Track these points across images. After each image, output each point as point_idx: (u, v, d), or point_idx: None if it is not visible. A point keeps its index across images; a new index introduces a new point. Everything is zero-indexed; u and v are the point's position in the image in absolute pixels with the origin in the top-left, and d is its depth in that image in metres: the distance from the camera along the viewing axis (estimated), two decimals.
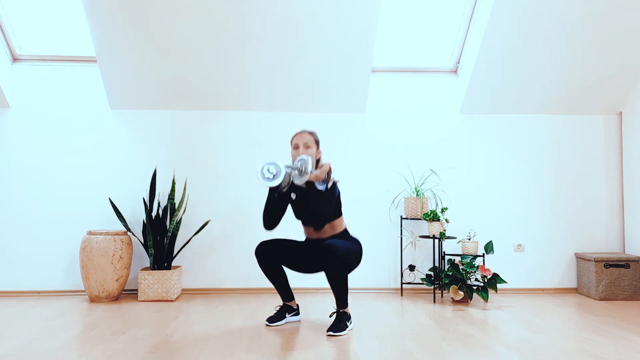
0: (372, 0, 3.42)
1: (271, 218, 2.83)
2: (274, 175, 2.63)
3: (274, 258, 2.88)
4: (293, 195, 2.87)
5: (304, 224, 2.95)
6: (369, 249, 3.91)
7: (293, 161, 2.80)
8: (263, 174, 2.63)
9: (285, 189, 2.81)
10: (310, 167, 2.62)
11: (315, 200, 2.70)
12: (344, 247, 2.69)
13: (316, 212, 2.72)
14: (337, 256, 2.63)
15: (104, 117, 3.93)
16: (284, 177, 2.63)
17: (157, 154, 3.93)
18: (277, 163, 2.64)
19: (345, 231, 2.91)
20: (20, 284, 3.80)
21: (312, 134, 2.86)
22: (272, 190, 2.80)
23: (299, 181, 2.65)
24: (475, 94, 3.93)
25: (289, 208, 2.93)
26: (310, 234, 2.94)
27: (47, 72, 3.91)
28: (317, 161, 2.86)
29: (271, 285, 3.86)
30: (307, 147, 2.81)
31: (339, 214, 2.86)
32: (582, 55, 3.74)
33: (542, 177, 4.04)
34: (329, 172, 2.72)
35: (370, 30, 3.57)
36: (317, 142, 2.87)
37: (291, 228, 3.15)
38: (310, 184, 2.74)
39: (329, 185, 2.69)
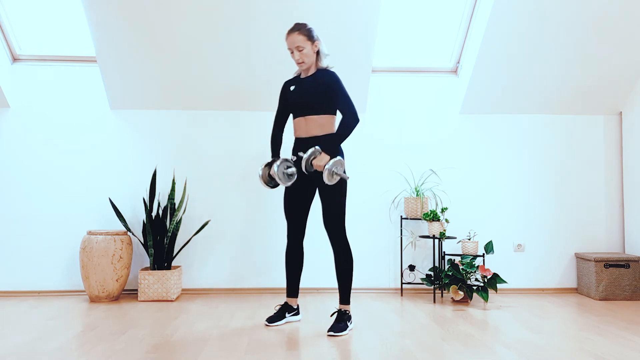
0: (372, 1, 3.42)
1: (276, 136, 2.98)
2: (288, 175, 2.79)
3: (300, 240, 2.97)
4: (292, 88, 2.89)
5: (295, 116, 2.89)
6: (369, 249, 3.92)
7: (298, 65, 2.84)
8: (285, 175, 2.78)
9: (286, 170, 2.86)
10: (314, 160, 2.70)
11: (315, 90, 2.79)
12: (341, 214, 2.79)
13: (314, 99, 2.79)
14: (340, 231, 2.78)
15: (104, 117, 3.93)
16: (266, 176, 2.84)
17: (157, 154, 3.93)
18: (261, 172, 2.82)
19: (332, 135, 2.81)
20: (20, 284, 3.80)
21: (300, 30, 2.74)
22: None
23: (306, 169, 2.72)
24: (475, 94, 3.93)
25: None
26: (299, 132, 2.86)
27: (47, 72, 3.91)
28: (317, 53, 2.80)
29: (271, 286, 3.87)
30: (299, 49, 2.74)
31: (333, 112, 2.84)
32: (582, 55, 3.75)
33: (542, 177, 4.04)
34: (337, 166, 2.68)
35: (370, 30, 3.57)
36: (310, 38, 2.75)
37: None
38: (315, 77, 2.81)
39: (337, 179, 2.71)
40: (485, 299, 3.41)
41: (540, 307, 3.45)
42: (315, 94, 2.77)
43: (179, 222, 3.74)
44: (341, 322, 2.75)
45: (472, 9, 3.74)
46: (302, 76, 2.88)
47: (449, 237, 3.67)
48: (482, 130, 4.06)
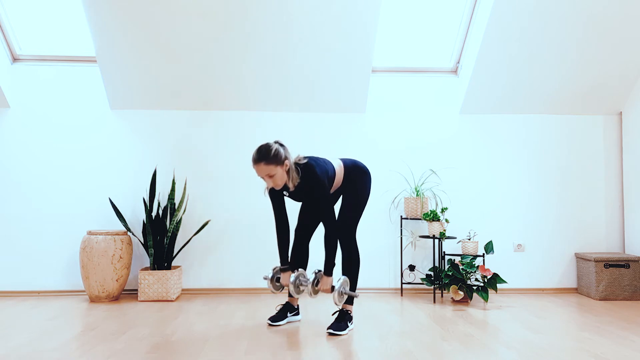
0: (372, 0, 3.42)
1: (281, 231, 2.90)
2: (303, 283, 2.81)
3: (307, 241, 3.00)
4: (286, 193, 2.86)
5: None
6: (369, 249, 3.92)
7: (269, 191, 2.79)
8: (297, 289, 2.81)
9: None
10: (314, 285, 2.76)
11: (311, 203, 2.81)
12: (354, 218, 2.82)
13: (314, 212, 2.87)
14: (349, 232, 2.81)
15: (104, 117, 3.93)
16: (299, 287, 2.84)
17: (157, 154, 3.93)
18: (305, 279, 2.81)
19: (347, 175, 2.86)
20: (20, 284, 3.80)
21: (265, 160, 2.54)
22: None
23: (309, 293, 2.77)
24: (475, 94, 3.93)
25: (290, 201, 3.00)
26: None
27: (47, 72, 3.91)
28: (288, 172, 2.61)
29: None
30: (270, 176, 2.57)
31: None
32: (582, 55, 3.75)
33: (542, 177, 4.04)
34: (342, 289, 2.73)
35: (370, 30, 3.57)
36: (276, 162, 2.55)
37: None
38: (301, 189, 2.75)
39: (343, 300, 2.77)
40: (485, 299, 3.41)
41: (540, 307, 3.45)
42: (310, 195, 2.73)
43: (179, 222, 3.74)
44: (342, 321, 2.75)
45: (472, 9, 3.74)
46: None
47: (449, 237, 3.67)
48: (482, 130, 4.06)
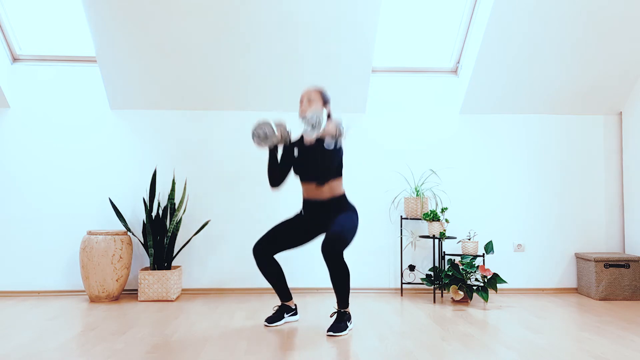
0: (372, 0, 3.42)
1: (275, 176, 2.90)
2: (265, 135, 2.68)
3: (271, 254, 2.90)
4: (296, 152, 2.86)
5: (302, 180, 2.90)
6: (369, 249, 3.92)
7: (300, 117, 2.77)
8: (256, 135, 2.69)
9: (286, 144, 2.81)
10: (324, 122, 2.63)
11: (319, 156, 2.74)
12: (343, 241, 2.67)
13: (320, 167, 2.76)
14: (338, 255, 2.63)
15: (104, 117, 3.93)
16: (277, 136, 2.69)
17: (157, 154, 3.93)
18: (269, 122, 2.68)
19: (344, 197, 2.88)
20: (20, 284, 3.80)
21: (318, 90, 2.87)
22: (272, 149, 2.83)
23: (311, 135, 2.66)
24: (475, 94, 3.93)
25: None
26: (309, 193, 2.89)
27: (47, 72, 3.91)
28: (328, 116, 2.82)
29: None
30: (310, 101, 2.82)
31: (339, 174, 2.85)
32: (582, 56, 3.74)
33: (542, 177, 4.04)
34: (339, 130, 2.69)
35: (370, 30, 3.57)
36: (323, 99, 2.85)
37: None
38: (319, 140, 2.74)
39: (339, 142, 2.70)
40: (485, 299, 3.41)
41: (540, 307, 3.45)
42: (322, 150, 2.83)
43: (179, 222, 3.74)
44: (341, 322, 2.75)
45: (472, 9, 3.74)
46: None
47: (449, 237, 3.67)
48: (482, 130, 4.06)
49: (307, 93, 2.86)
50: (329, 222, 2.79)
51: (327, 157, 2.72)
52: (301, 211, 2.96)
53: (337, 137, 2.69)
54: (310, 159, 2.81)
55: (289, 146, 2.88)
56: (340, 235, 2.66)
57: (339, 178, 2.86)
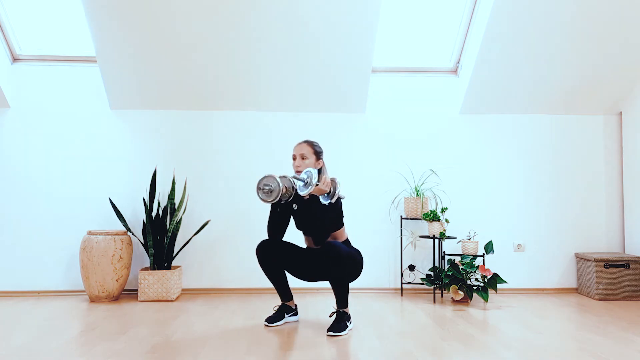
0: (372, 0, 3.42)
1: (275, 229, 2.88)
2: (270, 190, 2.66)
3: (274, 258, 2.90)
4: (295, 206, 2.87)
5: (304, 234, 2.97)
6: (369, 249, 3.90)
7: (295, 172, 2.82)
8: (261, 189, 2.68)
9: (288, 200, 2.81)
10: (315, 180, 2.66)
11: (317, 212, 2.72)
12: (346, 249, 2.72)
13: (317, 224, 2.75)
14: (340, 255, 2.65)
15: (104, 117, 3.93)
16: (281, 190, 2.66)
17: (157, 154, 3.93)
18: (274, 176, 2.66)
19: (347, 242, 2.92)
20: (20, 284, 3.80)
21: (311, 144, 2.85)
22: (274, 203, 2.81)
23: (303, 192, 2.68)
24: (475, 94, 3.93)
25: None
26: (311, 244, 2.96)
27: (47, 72, 3.91)
28: (319, 171, 2.84)
29: (271, 285, 3.85)
30: (303, 157, 2.81)
31: (340, 225, 2.85)
32: (582, 55, 3.74)
33: (542, 177, 4.04)
34: (334, 187, 2.74)
35: (370, 30, 3.57)
36: (316, 153, 2.84)
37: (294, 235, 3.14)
38: (314, 196, 2.76)
39: (334, 200, 2.72)
40: (485, 299, 3.41)
41: (540, 307, 3.45)
42: (321, 210, 2.84)
43: (179, 222, 3.74)
44: (341, 322, 2.75)
45: (472, 9, 3.74)
46: None
47: (449, 237, 3.67)
48: (482, 130, 4.06)
49: (299, 148, 2.85)
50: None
51: (325, 210, 2.72)
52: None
53: (332, 193, 2.72)
54: (310, 214, 2.79)
55: (290, 200, 2.86)
56: (342, 247, 2.70)
57: (341, 228, 2.86)
